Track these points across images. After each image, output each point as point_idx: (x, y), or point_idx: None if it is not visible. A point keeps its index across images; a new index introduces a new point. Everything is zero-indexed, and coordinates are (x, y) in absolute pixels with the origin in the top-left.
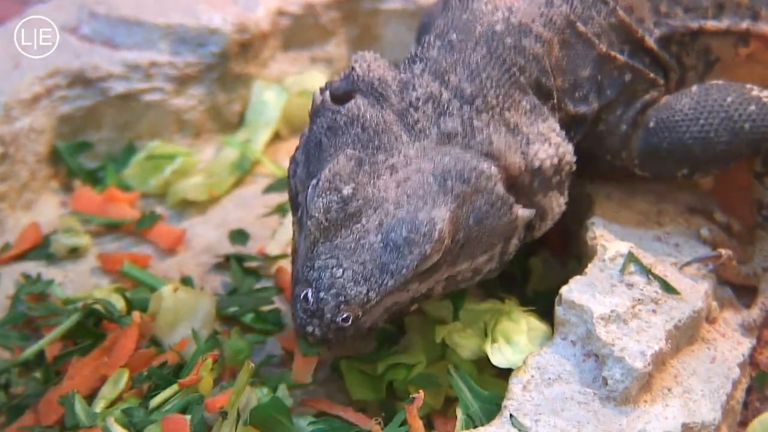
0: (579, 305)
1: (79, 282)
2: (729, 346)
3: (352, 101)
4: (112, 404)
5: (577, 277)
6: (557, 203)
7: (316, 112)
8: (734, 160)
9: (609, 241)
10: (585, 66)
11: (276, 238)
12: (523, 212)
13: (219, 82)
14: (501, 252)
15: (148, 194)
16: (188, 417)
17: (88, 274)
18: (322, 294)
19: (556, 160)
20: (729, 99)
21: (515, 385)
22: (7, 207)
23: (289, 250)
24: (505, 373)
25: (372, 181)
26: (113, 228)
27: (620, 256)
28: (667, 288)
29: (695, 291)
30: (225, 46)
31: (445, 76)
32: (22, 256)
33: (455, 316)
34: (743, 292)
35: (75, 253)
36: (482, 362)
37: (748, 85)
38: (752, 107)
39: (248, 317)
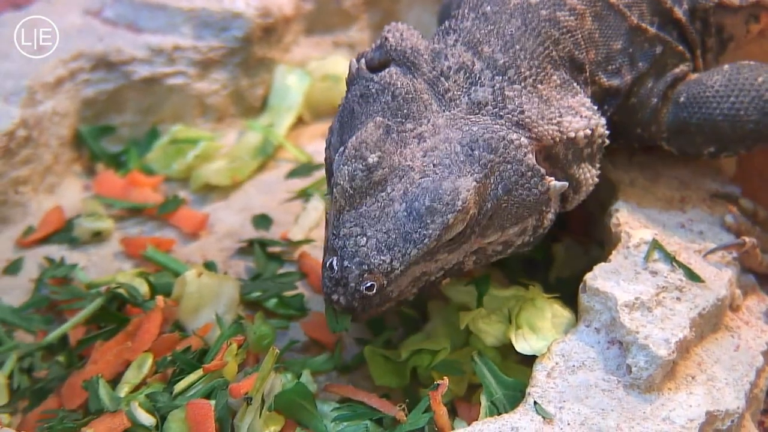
0: (603, 292)
1: (102, 266)
2: (753, 334)
3: (386, 70)
4: (136, 389)
5: (602, 264)
6: (590, 174)
7: (351, 81)
8: (761, 141)
9: (633, 228)
10: (617, 38)
11: (299, 223)
12: (555, 184)
13: (242, 67)
14: (535, 225)
15: (171, 178)
16: (212, 402)
17: (111, 258)
18: (346, 263)
19: (589, 132)
20: (760, 79)
21: (539, 372)
22: (30, 190)
23: (311, 235)
24: (529, 360)
25: (399, 150)
26: (136, 212)
27: (644, 243)
28: (692, 276)
29: (719, 279)
30: (248, 30)
31: (479, 47)
32: (45, 240)
33: (479, 302)
34: (767, 280)
35: (98, 236)
36: (506, 349)
37: None
38: None
39: (271, 302)
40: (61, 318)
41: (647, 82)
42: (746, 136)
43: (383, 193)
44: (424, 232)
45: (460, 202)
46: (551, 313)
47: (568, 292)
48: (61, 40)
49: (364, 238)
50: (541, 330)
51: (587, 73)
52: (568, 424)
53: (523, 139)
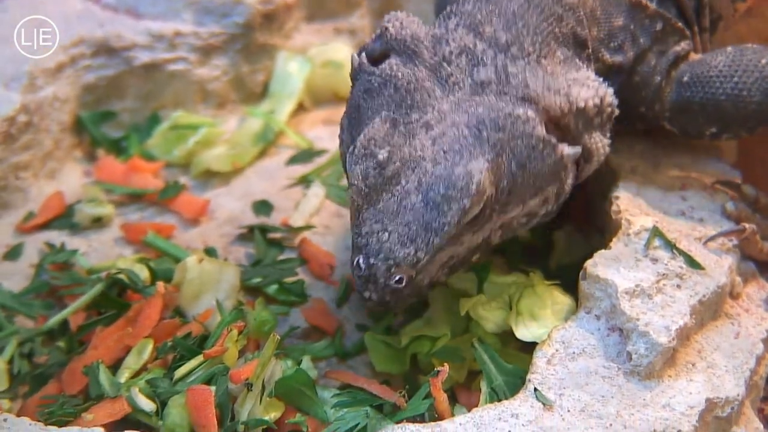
0: (604, 279)
1: (102, 251)
2: (753, 321)
3: (386, 62)
4: (136, 375)
5: (602, 252)
6: (601, 143)
7: (354, 76)
8: (764, 122)
9: (634, 216)
10: (618, 15)
11: (299, 209)
12: (568, 150)
13: (243, 53)
14: (556, 193)
15: (172, 164)
16: (213, 388)
17: (111, 243)
18: (372, 260)
19: (598, 101)
20: (764, 60)
21: (539, 359)
22: (31, 176)
23: (312, 221)
24: (529, 347)
25: (408, 141)
26: (137, 198)
27: (645, 230)
28: (692, 263)
29: (719, 266)
30: (249, 16)
31: (480, 28)
32: (45, 226)
33: (480, 288)
34: (767, 268)
35: (98, 222)
36: (506, 336)
37: None
38: None
39: (272, 288)
40: (61, 303)
41: (650, 59)
42: (749, 117)
43: (398, 187)
44: (444, 219)
45: (474, 186)
46: (551, 300)
47: (569, 280)
48: (62, 26)
49: (386, 234)
50: (542, 317)
51: (590, 50)
52: (568, 410)
53: (530, 112)
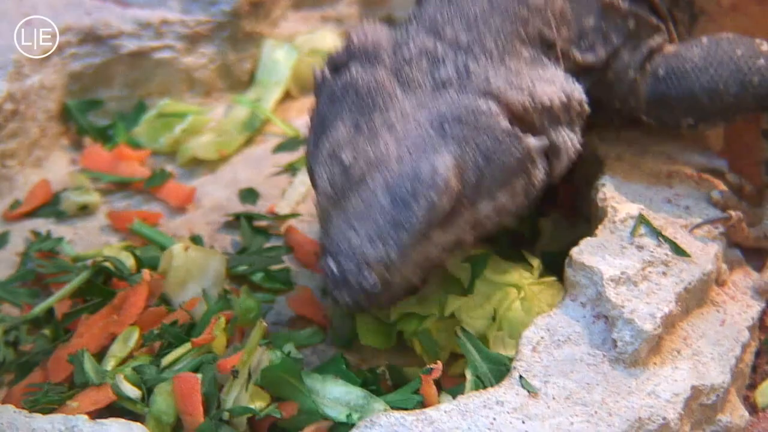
0: (589, 267)
1: (88, 239)
2: (738, 309)
3: (347, 70)
4: (122, 362)
5: (588, 239)
6: (570, 140)
7: (318, 89)
8: (740, 113)
9: (619, 203)
10: (589, 15)
11: (286, 197)
12: (534, 141)
13: (230, 41)
14: (525, 186)
15: (158, 152)
16: (200, 376)
17: (97, 231)
18: (342, 263)
19: (564, 98)
20: (739, 52)
21: (525, 347)
22: (17, 164)
23: (298, 209)
24: None
25: (372, 143)
26: (123, 186)
27: (631, 218)
28: (678, 250)
29: (705, 253)
30: (236, 4)
31: (441, 31)
32: (31, 214)
33: (470, 286)
34: (753, 255)
35: (85, 210)
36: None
37: (758, 40)
38: (761, 61)
39: (257, 276)
40: (47, 291)
41: (623, 55)
42: (726, 109)
43: (365, 188)
44: (412, 216)
45: (440, 179)
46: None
47: (555, 267)
48: (49, 14)
49: (356, 234)
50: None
51: (558, 50)
52: (553, 398)
53: (492, 105)
